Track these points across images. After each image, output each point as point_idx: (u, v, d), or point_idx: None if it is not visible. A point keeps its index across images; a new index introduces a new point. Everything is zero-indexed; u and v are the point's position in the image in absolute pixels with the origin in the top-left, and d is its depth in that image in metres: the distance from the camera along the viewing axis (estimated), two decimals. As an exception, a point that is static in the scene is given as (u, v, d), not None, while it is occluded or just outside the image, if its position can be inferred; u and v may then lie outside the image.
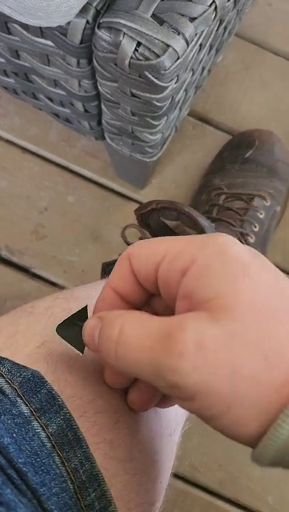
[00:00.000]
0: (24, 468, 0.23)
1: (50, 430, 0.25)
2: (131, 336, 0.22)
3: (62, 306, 0.33)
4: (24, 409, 0.25)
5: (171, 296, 0.23)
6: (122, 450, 0.28)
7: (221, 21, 0.50)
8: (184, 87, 0.52)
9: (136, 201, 0.76)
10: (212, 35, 0.49)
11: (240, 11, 0.63)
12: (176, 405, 0.35)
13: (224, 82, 0.80)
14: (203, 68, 0.60)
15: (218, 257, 0.22)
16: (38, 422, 0.25)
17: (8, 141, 0.77)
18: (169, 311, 0.25)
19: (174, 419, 0.34)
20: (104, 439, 0.27)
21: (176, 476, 0.70)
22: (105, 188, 0.77)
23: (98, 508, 0.25)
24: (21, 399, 0.25)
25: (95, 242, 0.75)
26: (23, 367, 0.27)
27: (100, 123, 0.59)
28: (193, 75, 0.53)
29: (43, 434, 0.24)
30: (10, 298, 0.70)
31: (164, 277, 0.23)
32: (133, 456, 0.28)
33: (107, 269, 0.50)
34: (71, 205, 0.76)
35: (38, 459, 0.24)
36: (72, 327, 0.26)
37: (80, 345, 0.26)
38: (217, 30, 0.51)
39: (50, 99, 0.58)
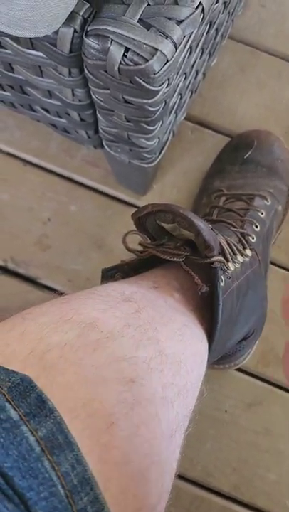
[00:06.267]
0: (10, 473, 0.23)
1: (40, 434, 0.25)
2: None
3: (56, 313, 0.33)
4: (13, 414, 0.25)
5: None
6: (118, 453, 0.28)
7: (211, 24, 0.50)
8: (177, 91, 0.52)
9: (138, 208, 0.76)
10: (203, 38, 0.50)
11: (232, 13, 0.64)
12: (175, 406, 0.35)
13: (221, 85, 0.80)
14: (197, 72, 0.60)
15: None
16: (27, 427, 0.25)
17: (9, 155, 0.78)
18: None
19: (174, 420, 0.34)
20: (98, 442, 0.27)
21: (189, 481, 0.69)
22: (107, 196, 0.77)
23: None
24: (10, 404, 0.25)
25: (98, 250, 0.75)
26: (13, 372, 0.27)
27: (96, 131, 0.60)
28: (186, 78, 0.53)
29: (31, 439, 0.24)
30: (16, 309, 0.71)
31: None
32: (130, 459, 0.28)
33: (106, 274, 0.50)
34: (74, 215, 0.76)
35: (26, 464, 0.24)
36: None
37: None
38: (208, 32, 0.51)
39: (47, 111, 0.59)
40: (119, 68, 0.40)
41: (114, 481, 0.27)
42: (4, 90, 0.59)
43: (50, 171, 0.78)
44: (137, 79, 0.40)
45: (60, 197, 0.77)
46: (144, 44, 0.38)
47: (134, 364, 0.33)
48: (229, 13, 0.60)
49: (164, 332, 0.39)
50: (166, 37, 0.39)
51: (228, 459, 0.70)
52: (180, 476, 0.69)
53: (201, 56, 0.56)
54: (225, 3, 0.52)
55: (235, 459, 0.70)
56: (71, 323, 0.33)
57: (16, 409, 0.25)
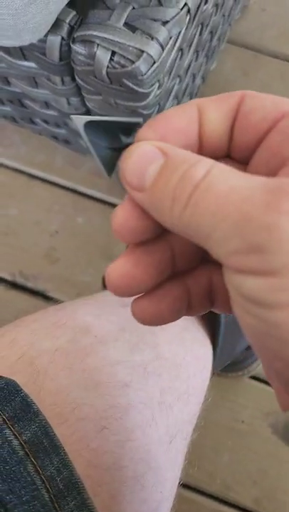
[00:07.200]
0: None
1: (24, 438, 0.24)
2: (222, 181, 0.16)
3: (49, 319, 0.33)
4: None
5: (271, 163, 0.18)
6: (110, 458, 0.27)
7: (204, 26, 0.50)
8: (172, 95, 0.52)
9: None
10: (195, 40, 0.49)
11: (228, 16, 0.64)
12: (175, 411, 0.34)
13: (224, 90, 0.80)
14: (194, 75, 0.60)
15: None
16: (11, 430, 0.24)
17: (16, 170, 0.78)
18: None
19: (173, 425, 0.33)
20: (88, 447, 0.26)
21: (208, 495, 0.67)
22: (113, 206, 0.77)
23: None
24: None
25: (107, 260, 0.74)
26: None
27: (97, 140, 0.60)
28: (181, 82, 0.53)
29: (15, 442, 0.24)
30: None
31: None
32: (123, 464, 0.27)
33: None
34: (81, 226, 0.76)
35: (7, 467, 0.23)
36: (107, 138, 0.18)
37: (108, 166, 0.17)
38: (200, 34, 0.51)
39: (46, 122, 0.59)
40: (107, 72, 0.39)
41: (105, 486, 0.26)
42: (4, 105, 0.60)
43: (57, 184, 0.78)
44: (126, 82, 0.40)
45: (67, 209, 0.77)
46: (130, 46, 0.38)
47: (129, 368, 0.32)
48: (224, 16, 0.60)
49: (162, 336, 0.38)
50: (152, 38, 0.38)
51: (247, 471, 0.68)
52: (199, 491, 0.67)
53: (196, 59, 0.55)
54: (217, 5, 0.52)
55: (255, 470, 0.68)
56: (64, 328, 0.33)
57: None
